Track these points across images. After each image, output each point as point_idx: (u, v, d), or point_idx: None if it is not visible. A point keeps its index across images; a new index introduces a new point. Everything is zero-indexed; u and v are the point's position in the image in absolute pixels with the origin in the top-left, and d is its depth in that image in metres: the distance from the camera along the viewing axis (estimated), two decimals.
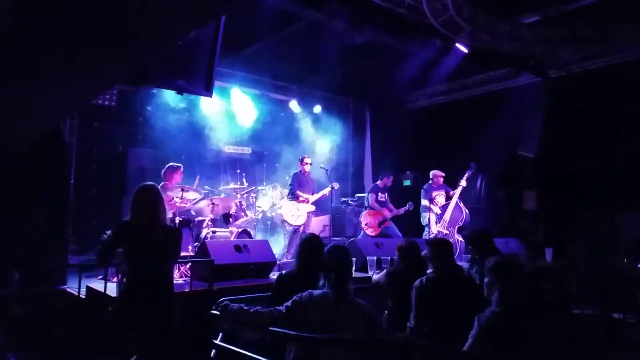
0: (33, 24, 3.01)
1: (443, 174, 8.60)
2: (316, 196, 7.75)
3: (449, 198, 8.42)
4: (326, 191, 7.80)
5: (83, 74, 3.94)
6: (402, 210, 8.25)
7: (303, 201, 7.58)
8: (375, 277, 4.46)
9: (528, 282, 2.73)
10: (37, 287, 4.92)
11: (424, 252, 4.62)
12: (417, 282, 3.51)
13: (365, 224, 8.24)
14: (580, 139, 8.00)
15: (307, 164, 7.84)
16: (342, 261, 2.90)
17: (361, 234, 8.37)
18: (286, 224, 7.61)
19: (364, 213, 8.38)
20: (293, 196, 7.68)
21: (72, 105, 5.13)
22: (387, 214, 8.23)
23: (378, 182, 8.56)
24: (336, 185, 7.90)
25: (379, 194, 8.38)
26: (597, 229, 7.79)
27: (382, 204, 8.33)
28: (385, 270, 4.30)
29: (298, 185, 7.70)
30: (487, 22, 7.08)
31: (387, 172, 8.58)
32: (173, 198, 6.10)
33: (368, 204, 8.39)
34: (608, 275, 6.30)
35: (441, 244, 3.71)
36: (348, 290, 2.81)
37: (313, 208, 7.75)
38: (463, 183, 8.30)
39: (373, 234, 8.15)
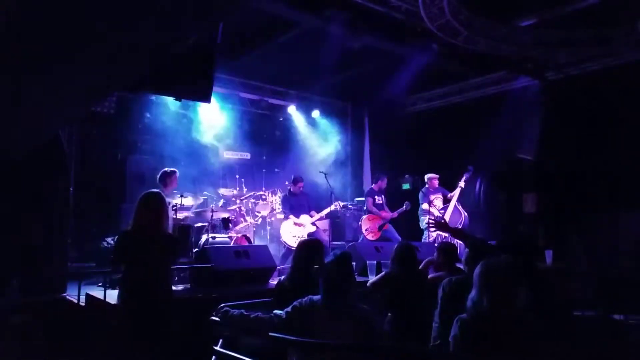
0: (31, 32, 3.02)
1: (437, 176, 8.60)
2: (316, 217, 7.68)
3: (447, 201, 8.44)
4: (327, 210, 7.76)
5: (82, 81, 3.94)
6: (398, 212, 8.24)
7: (300, 224, 7.49)
8: (372, 279, 4.45)
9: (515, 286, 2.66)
10: (36, 295, 4.91)
11: (429, 258, 4.62)
12: (445, 282, 3.49)
13: (366, 229, 8.21)
14: (579, 140, 8.01)
15: (300, 187, 7.76)
16: (343, 266, 2.90)
17: (361, 238, 8.36)
18: (285, 243, 7.48)
19: (363, 218, 8.35)
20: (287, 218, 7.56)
21: (71, 112, 5.14)
22: (386, 217, 8.21)
23: (373, 186, 8.53)
24: (340, 204, 7.87)
25: (376, 197, 8.36)
26: (597, 231, 7.79)
27: (379, 207, 8.32)
28: (382, 273, 4.29)
29: (290, 209, 7.60)
30: (484, 25, 7.10)
31: (380, 174, 8.55)
32: (170, 204, 6.09)
33: (366, 209, 8.38)
34: (609, 276, 6.29)
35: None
36: (349, 296, 2.81)
37: (314, 228, 7.65)
38: (461, 184, 8.32)
39: (373, 238, 8.13)
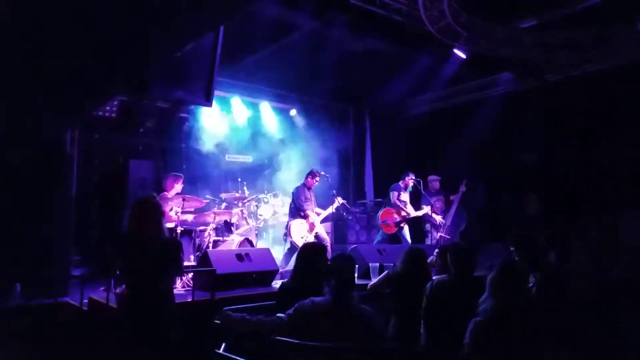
0: (35, 37, 3.04)
1: (439, 178, 8.59)
2: (322, 215, 7.63)
3: (449, 203, 8.43)
4: (332, 209, 7.70)
5: (84, 85, 3.96)
6: (420, 213, 8.22)
7: (311, 224, 7.45)
8: (372, 282, 4.45)
9: (527, 287, 2.70)
10: (39, 299, 4.92)
11: (431, 258, 4.62)
12: (428, 286, 3.51)
13: (383, 221, 8.17)
14: (581, 142, 8.00)
15: (317, 181, 7.67)
16: (345, 268, 2.91)
17: (380, 233, 8.35)
18: (289, 240, 7.45)
19: (382, 210, 8.29)
20: (299, 212, 7.49)
21: (73, 116, 5.16)
22: (407, 214, 8.22)
23: (400, 182, 8.46)
24: (340, 200, 7.82)
25: (401, 192, 8.33)
26: (600, 232, 7.77)
27: (403, 204, 8.32)
28: (383, 274, 4.29)
29: (304, 200, 7.50)
30: (484, 27, 7.11)
31: (408, 172, 8.45)
32: (173, 208, 6.10)
33: (390, 201, 8.31)
34: (611, 277, 6.26)
35: (463, 250, 3.68)
36: (350, 298, 2.81)
37: (321, 228, 7.62)
38: (462, 188, 8.32)
39: (390, 232, 8.14)
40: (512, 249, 4.12)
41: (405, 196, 8.33)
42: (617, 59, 7.76)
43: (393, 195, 8.27)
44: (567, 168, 8.18)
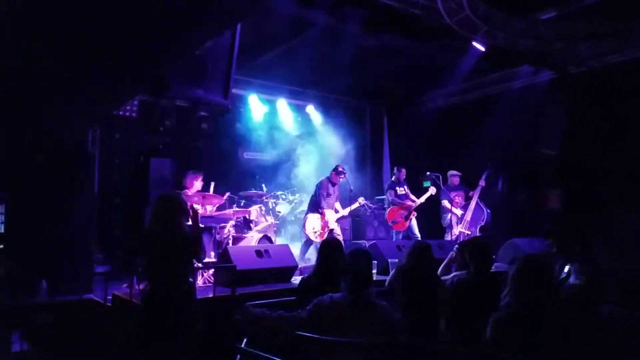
0: (54, 37, 3.10)
1: (459, 174, 8.54)
2: (340, 214, 7.66)
3: (468, 198, 8.36)
4: (349, 209, 7.71)
5: (104, 85, 4.03)
6: (424, 198, 8.22)
7: (325, 222, 7.46)
8: (388, 278, 4.45)
9: (552, 282, 2.66)
10: (64, 296, 5.02)
11: (451, 254, 4.59)
12: (448, 283, 3.50)
13: (392, 222, 8.19)
14: (603, 134, 7.84)
15: (342, 178, 7.68)
16: (361, 264, 2.91)
17: (393, 232, 8.33)
18: (307, 236, 7.52)
19: (387, 211, 8.32)
20: (316, 208, 7.53)
21: (94, 116, 5.25)
22: (411, 206, 8.17)
23: (392, 178, 8.55)
24: (362, 201, 7.83)
25: (397, 188, 8.36)
26: (622, 226, 7.62)
27: (402, 197, 8.30)
28: (395, 268, 4.30)
29: (326, 195, 7.54)
30: (503, 20, 7.00)
31: (398, 166, 8.59)
32: (193, 205, 6.17)
33: (389, 201, 8.35)
34: (635, 272, 6.15)
35: (481, 246, 3.66)
36: (368, 293, 2.82)
37: (336, 225, 7.63)
38: (482, 183, 8.24)
39: (403, 229, 8.15)
40: (548, 241, 4.07)
41: (401, 189, 8.37)
42: (638, 51, 7.59)
43: (389, 194, 8.34)
44: (588, 162, 8.02)
